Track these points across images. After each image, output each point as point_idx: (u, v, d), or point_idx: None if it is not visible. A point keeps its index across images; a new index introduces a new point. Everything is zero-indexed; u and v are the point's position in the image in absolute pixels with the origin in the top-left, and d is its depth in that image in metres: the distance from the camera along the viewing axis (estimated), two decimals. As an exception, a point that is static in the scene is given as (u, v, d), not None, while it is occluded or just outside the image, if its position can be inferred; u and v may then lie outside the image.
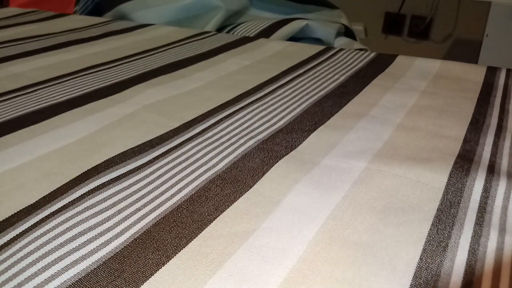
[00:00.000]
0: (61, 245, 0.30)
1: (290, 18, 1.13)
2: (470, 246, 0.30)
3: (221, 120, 0.49)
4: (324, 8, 1.29)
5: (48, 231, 0.32)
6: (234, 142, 0.44)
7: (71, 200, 0.35)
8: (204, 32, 0.91)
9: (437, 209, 0.34)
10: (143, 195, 0.36)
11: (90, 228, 0.32)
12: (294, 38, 1.09)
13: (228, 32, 1.14)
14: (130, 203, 0.35)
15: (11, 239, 0.31)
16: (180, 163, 0.40)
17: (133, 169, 0.39)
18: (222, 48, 0.78)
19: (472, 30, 1.74)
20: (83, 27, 0.95)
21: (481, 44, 1.61)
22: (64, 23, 0.99)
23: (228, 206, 0.35)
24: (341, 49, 0.77)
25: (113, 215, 0.33)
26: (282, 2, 1.26)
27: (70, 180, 0.38)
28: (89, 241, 0.31)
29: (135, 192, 0.36)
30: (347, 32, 1.22)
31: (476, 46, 1.67)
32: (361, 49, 0.88)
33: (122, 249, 0.30)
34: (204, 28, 1.05)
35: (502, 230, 0.31)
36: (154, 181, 0.38)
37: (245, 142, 0.44)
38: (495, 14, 1.58)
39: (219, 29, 1.13)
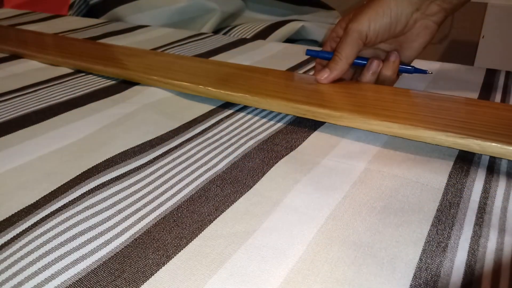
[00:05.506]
0: (61, 244, 0.30)
1: (285, 20, 1.13)
2: (470, 247, 0.30)
3: (221, 120, 0.49)
4: (320, 9, 1.28)
5: (48, 230, 0.32)
6: (234, 142, 0.44)
7: (71, 200, 0.35)
8: (203, 33, 0.91)
9: (437, 210, 0.34)
10: (143, 195, 0.36)
11: (90, 228, 0.32)
12: (289, 40, 1.09)
13: (223, 34, 1.14)
14: (131, 203, 0.35)
15: (11, 238, 0.31)
16: (180, 163, 0.41)
17: (133, 169, 0.40)
18: (222, 48, 0.78)
19: (468, 32, 1.74)
20: (83, 27, 0.95)
21: (477, 46, 1.61)
22: (63, 24, 0.99)
23: (228, 206, 0.35)
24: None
25: (113, 215, 0.34)
26: (277, 4, 1.25)
27: (70, 180, 0.38)
28: (89, 240, 0.31)
29: (135, 192, 0.36)
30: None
31: (472, 47, 1.68)
32: None
33: (122, 249, 0.30)
34: (200, 31, 1.05)
35: (502, 231, 0.31)
36: (154, 181, 0.38)
37: (245, 142, 0.44)
38: (491, 16, 1.58)
39: (215, 32, 1.13)
